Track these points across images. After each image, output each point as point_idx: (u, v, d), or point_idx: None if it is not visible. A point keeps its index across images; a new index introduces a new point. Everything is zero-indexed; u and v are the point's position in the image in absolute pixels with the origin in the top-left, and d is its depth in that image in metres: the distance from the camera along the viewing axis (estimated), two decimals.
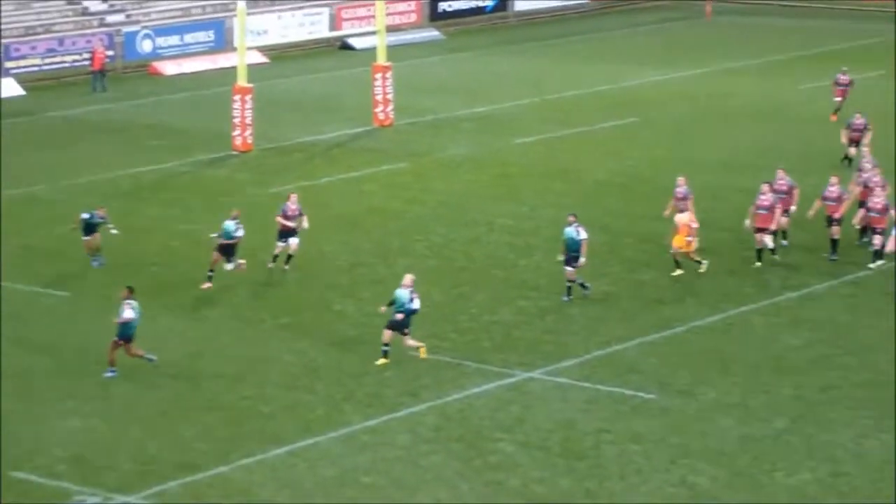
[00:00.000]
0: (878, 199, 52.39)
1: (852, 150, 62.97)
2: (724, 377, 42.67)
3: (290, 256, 50.88)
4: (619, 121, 74.76)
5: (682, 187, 53.91)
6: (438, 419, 39.48)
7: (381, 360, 42.51)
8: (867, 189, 53.92)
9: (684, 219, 51.09)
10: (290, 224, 50.49)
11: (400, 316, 41.24)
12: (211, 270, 48.66)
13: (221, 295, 49.59)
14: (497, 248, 53.74)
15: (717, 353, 44.94)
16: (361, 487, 35.26)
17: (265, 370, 43.18)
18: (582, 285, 48.36)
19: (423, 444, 37.73)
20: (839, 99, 73.05)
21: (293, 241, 51.08)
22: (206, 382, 42.44)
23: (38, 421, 37.58)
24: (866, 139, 63.15)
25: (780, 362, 44.09)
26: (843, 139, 64.17)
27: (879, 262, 51.58)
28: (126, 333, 40.31)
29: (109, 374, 40.16)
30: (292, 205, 50.95)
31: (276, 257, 50.39)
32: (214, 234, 48.95)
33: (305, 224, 51.73)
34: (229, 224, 48.86)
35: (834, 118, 71.77)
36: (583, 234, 48.34)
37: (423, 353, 43.31)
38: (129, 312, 40.49)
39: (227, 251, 49.00)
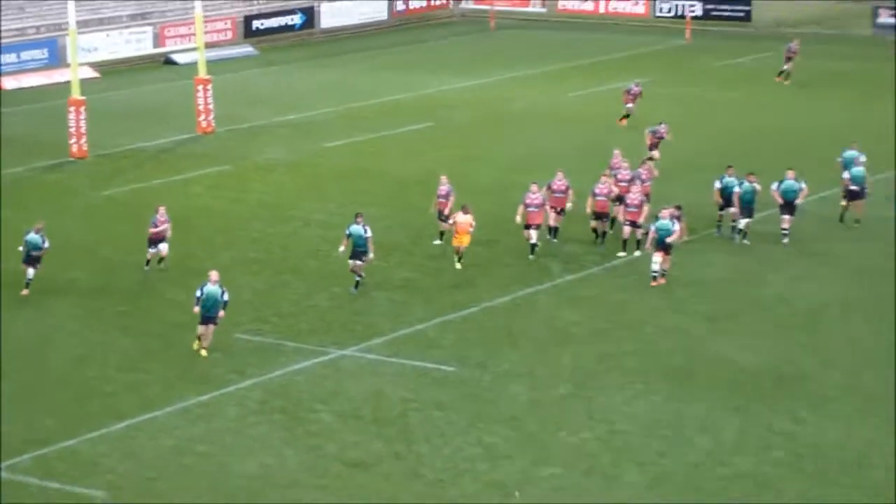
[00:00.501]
0: (634, 196, 52.76)
1: (655, 154, 62.60)
2: (514, 350, 43.44)
3: (161, 259, 49.78)
4: (418, 125, 75.03)
5: (444, 186, 53.73)
6: (263, 394, 39.76)
7: (199, 348, 42.36)
8: (626, 186, 54.18)
9: (464, 220, 50.69)
10: (159, 231, 49.22)
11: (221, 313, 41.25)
12: (28, 279, 46.84)
13: (65, 287, 48.81)
14: (311, 241, 54.10)
15: (507, 329, 45.58)
16: (196, 455, 35.56)
17: (106, 353, 42.81)
18: (358, 280, 48.28)
19: (251, 416, 38.09)
20: (630, 105, 73.09)
21: (163, 247, 50.15)
22: (53, 365, 42.07)
23: None
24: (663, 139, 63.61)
25: (562, 336, 44.80)
26: (647, 141, 63.86)
27: (636, 253, 52.04)
28: None
29: None
30: (161, 217, 49.46)
31: (148, 261, 49.71)
32: (21, 248, 47.29)
33: (169, 232, 50.70)
34: (34, 237, 47.00)
35: (623, 123, 72.34)
36: (368, 233, 48.12)
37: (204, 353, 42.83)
38: None
39: (33, 261, 47.17)
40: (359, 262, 48.06)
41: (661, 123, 64.05)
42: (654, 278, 49.50)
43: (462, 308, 47.38)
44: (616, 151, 58.06)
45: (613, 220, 54.09)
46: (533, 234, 51.67)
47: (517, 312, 47.71)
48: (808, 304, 48.44)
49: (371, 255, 48.30)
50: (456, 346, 44.26)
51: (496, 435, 37.23)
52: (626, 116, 72.95)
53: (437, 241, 53.85)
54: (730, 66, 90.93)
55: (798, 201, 53.68)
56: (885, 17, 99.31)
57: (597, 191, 53.21)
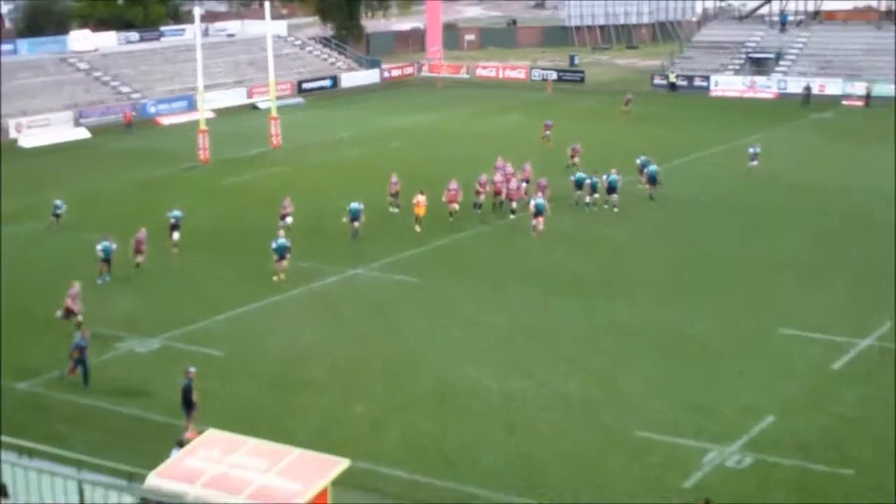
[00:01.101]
0: (513, 184, 56.16)
1: (576, 159, 64.50)
2: (460, 272, 47.00)
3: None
4: (395, 143, 78.06)
5: (393, 178, 56.30)
6: (310, 295, 43.66)
7: (276, 275, 44.89)
8: (507, 177, 57.22)
9: (421, 199, 52.85)
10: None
11: None
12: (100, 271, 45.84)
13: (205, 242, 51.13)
14: (335, 210, 54.61)
15: (456, 259, 49.60)
16: (272, 331, 39.54)
17: (218, 275, 46.62)
18: (355, 234, 50.96)
19: (303, 309, 42.25)
20: (547, 133, 74.53)
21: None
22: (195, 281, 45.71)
23: None
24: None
25: (487, 262, 48.25)
26: (570, 154, 65.62)
27: (512, 217, 54.86)
28: None
29: None
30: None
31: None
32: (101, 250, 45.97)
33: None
34: (106, 244, 45.80)
35: (546, 141, 73.70)
36: (361, 206, 51.31)
37: (276, 279, 44.92)
38: None
39: (107, 263, 45.82)
40: (355, 224, 51.40)
41: (575, 143, 66.63)
42: (535, 229, 51.65)
43: (421, 246, 51.23)
44: (499, 157, 60.24)
45: (505, 199, 56.20)
46: (455, 206, 54.46)
47: (457, 248, 51.18)
48: (623, 239, 52.41)
49: (363, 219, 51.50)
50: (420, 267, 48.14)
51: (449, 322, 41.22)
52: (545, 137, 74.09)
53: (394, 210, 56.29)
54: (576, 108, 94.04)
55: (618, 186, 56.92)
56: (658, 80, 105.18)
57: (482, 180, 56.81)
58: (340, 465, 23.57)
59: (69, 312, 39.38)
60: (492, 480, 29.00)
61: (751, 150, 67.61)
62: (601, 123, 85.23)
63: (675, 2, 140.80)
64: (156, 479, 22.93)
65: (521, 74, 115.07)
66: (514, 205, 55.55)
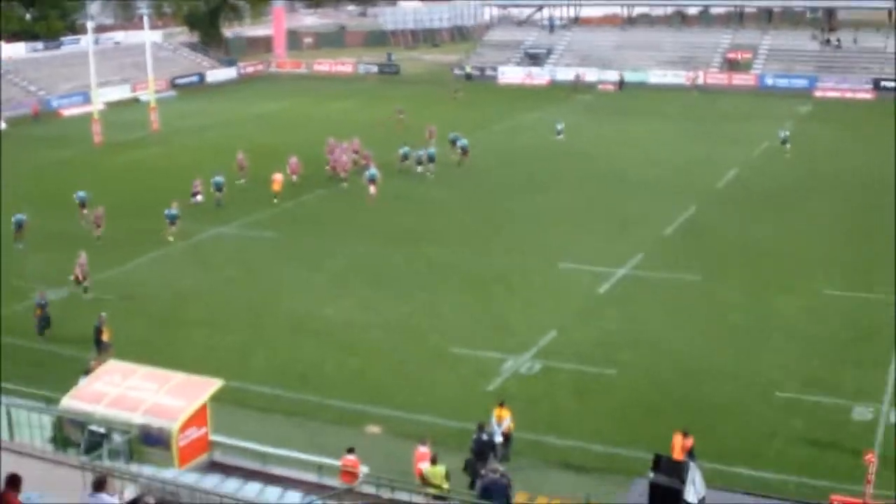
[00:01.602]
0: (343, 158, 54.74)
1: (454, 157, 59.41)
2: (325, 222, 46.61)
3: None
4: (247, 127, 73.40)
5: (240, 155, 54.29)
6: (189, 246, 42.85)
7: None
8: (337, 152, 55.62)
9: (278, 176, 51.25)
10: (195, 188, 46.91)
11: None
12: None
13: None
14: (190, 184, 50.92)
15: (307, 216, 48.15)
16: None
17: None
18: (277, 198, 49.13)
19: (189, 255, 41.91)
20: (401, 116, 71.48)
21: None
22: None
23: None
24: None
25: (336, 218, 47.06)
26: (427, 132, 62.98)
27: (344, 185, 52.45)
28: None
29: None
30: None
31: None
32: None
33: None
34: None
35: (397, 121, 70.24)
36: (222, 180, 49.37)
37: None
38: None
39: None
40: (219, 194, 49.42)
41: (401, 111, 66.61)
42: (369, 194, 50.38)
43: (273, 209, 49.47)
44: (329, 138, 58.67)
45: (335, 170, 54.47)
46: (295, 178, 52.97)
47: (302, 209, 49.56)
48: (438, 198, 51.76)
49: (225, 190, 49.63)
50: (274, 224, 47.21)
51: (299, 267, 40.79)
52: (399, 119, 71.09)
53: (241, 181, 53.66)
54: (393, 94, 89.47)
55: (435, 157, 56.27)
56: (457, 71, 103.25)
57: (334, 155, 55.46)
58: (216, 385, 23.68)
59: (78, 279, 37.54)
60: (338, 392, 29.05)
61: (558, 126, 67.67)
62: (415, 105, 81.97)
63: (468, 10, 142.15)
64: (69, 401, 23.19)
65: (350, 69, 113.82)
66: (344, 174, 54.68)
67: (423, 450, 22.39)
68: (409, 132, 65.77)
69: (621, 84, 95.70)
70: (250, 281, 39.04)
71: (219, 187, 50.32)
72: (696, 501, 17.69)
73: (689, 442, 22.67)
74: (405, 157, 57.29)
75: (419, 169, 56.01)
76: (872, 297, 36.35)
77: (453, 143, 60.85)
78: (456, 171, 57.88)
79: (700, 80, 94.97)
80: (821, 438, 25.83)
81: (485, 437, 23.40)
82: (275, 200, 50.48)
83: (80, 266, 37.37)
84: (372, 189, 50.77)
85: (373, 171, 51.65)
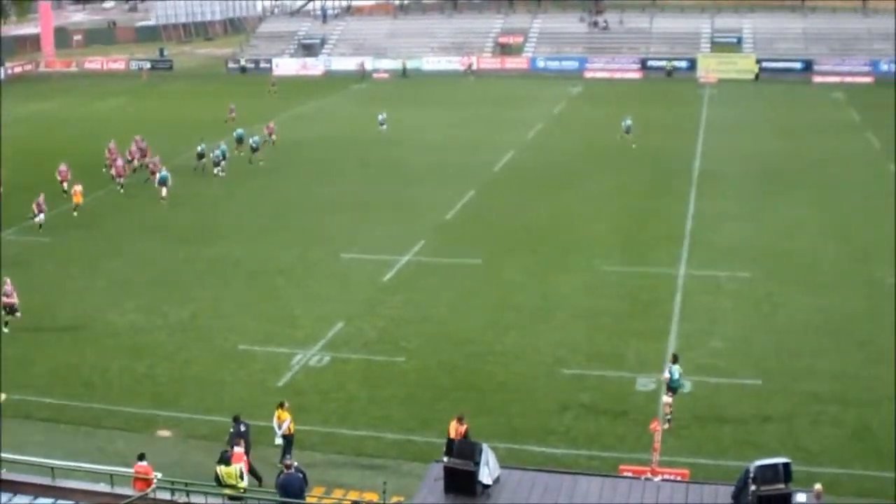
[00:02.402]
0: (119, 161, 52.13)
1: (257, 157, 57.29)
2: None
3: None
4: (17, 131, 69.68)
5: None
6: None
7: None
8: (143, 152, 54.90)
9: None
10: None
11: None
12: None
13: None
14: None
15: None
16: None
17: None
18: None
19: None
20: (232, 115, 68.57)
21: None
22: None
23: None
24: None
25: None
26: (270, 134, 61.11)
27: (120, 189, 50.70)
28: None
29: None
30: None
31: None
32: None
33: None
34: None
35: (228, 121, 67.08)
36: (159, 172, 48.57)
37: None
38: None
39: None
40: (78, 188, 47.26)
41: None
42: (161, 196, 48.95)
43: (49, 212, 46.29)
44: (137, 136, 57.31)
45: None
46: (65, 185, 49.75)
47: (81, 214, 47.26)
48: (224, 195, 50.54)
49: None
50: (50, 229, 44.56)
51: (79, 272, 39.91)
52: (230, 119, 67.80)
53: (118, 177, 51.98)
54: (167, 90, 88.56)
55: (226, 155, 55.00)
56: (231, 65, 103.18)
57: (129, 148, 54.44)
58: None
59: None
60: (125, 398, 28.21)
61: (380, 117, 67.05)
62: (188, 102, 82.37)
63: (240, 1, 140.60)
64: None
65: (122, 66, 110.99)
66: (121, 179, 52.57)
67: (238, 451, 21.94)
68: (223, 128, 64.73)
69: (404, 72, 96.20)
70: (25, 288, 36.75)
71: None
72: (490, 482, 17.84)
73: (464, 428, 22.57)
74: (200, 155, 55.86)
75: (215, 170, 54.88)
76: (651, 270, 37.50)
77: (239, 140, 60.06)
78: (244, 168, 57.03)
79: (475, 66, 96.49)
80: (608, 410, 26.44)
81: (242, 427, 22.89)
82: (74, 214, 47.48)
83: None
84: (164, 192, 49.49)
85: (164, 173, 50.32)
